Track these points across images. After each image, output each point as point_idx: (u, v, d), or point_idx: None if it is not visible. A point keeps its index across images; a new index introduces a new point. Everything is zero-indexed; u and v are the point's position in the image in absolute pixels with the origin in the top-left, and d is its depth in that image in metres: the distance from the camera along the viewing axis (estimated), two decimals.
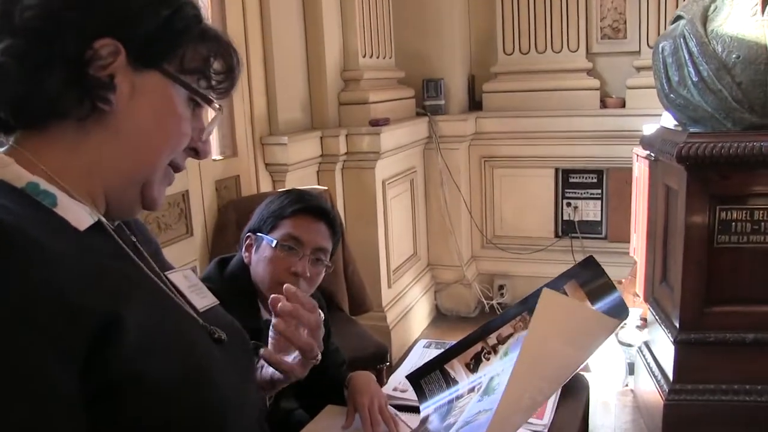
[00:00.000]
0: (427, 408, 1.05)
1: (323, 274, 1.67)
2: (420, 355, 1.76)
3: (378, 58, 3.78)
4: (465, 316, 4.28)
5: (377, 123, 3.41)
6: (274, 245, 1.59)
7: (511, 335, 1.11)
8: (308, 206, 1.64)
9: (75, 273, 0.69)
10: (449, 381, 1.04)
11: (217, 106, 0.86)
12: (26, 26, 0.73)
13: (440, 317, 4.31)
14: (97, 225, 0.79)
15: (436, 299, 4.36)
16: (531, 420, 1.45)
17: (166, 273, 0.90)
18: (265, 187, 3.07)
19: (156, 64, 0.79)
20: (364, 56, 3.60)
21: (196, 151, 0.88)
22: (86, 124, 0.77)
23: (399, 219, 3.79)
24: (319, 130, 3.33)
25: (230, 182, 2.88)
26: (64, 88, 0.74)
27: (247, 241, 1.67)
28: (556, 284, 1.12)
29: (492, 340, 1.13)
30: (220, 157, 2.85)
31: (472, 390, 1.02)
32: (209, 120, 0.89)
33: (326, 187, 2.96)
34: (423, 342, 1.87)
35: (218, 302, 0.98)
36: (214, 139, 2.82)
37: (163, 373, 0.74)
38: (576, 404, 1.57)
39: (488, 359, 0.97)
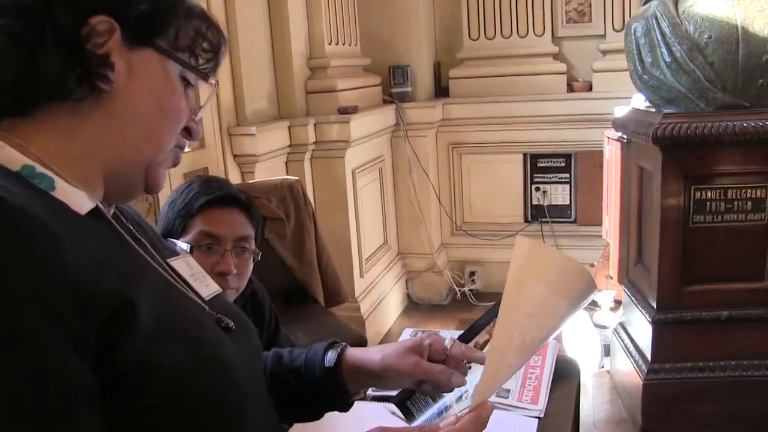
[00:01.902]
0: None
1: (251, 264, 1.55)
2: None
3: (344, 45, 3.72)
4: (437, 303, 4.28)
5: (346, 111, 3.36)
6: (189, 250, 1.43)
7: (487, 341, 1.10)
8: (215, 197, 1.48)
9: (83, 255, 0.64)
10: (435, 396, 1.03)
11: (214, 82, 0.83)
12: (16, 4, 0.69)
13: (413, 306, 4.30)
14: (95, 211, 0.75)
15: (408, 288, 4.35)
16: (526, 406, 1.45)
17: (168, 260, 0.86)
18: (234, 178, 3.00)
19: (150, 42, 0.76)
20: (330, 43, 3.54)
21: (189, 131, 0.84)
22: (82, 106, 0.72)
23: (369, 208, 3.76)
24: (287, 120, 3.27)
25: (199, 174, 2.81)
26: (62, 67, 0.70)
27: None
28: None
29: (471, 360, 1.13)
30: (188, 149, 2.76)
31: (459, 398, 1.02)
32: (199, 98, 0.86)
33: (296, 178, 2.90)
34: (409, 330, 1.85)
35: (221, 290, 0.94)
36: None
37: (179, 362, 0.70)
38: (569, 389, 1.57)
39: (470, 367, 0.98)
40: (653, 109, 2.52)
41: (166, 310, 0.73)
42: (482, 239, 4.34)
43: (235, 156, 3.02)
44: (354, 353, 1.00)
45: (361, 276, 3.64)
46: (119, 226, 0.78)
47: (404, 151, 4.11)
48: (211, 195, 1.48)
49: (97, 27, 0.71)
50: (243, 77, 3.02)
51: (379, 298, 3.84)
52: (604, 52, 3.93)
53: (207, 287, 0.88)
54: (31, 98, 0.71)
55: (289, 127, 3.25)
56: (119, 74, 0.73)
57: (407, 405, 1.01)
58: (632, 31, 2.41)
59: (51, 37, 0.69)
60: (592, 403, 2.81)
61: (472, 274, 4.36)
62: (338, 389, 0.98)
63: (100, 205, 0.76)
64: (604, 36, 3.95)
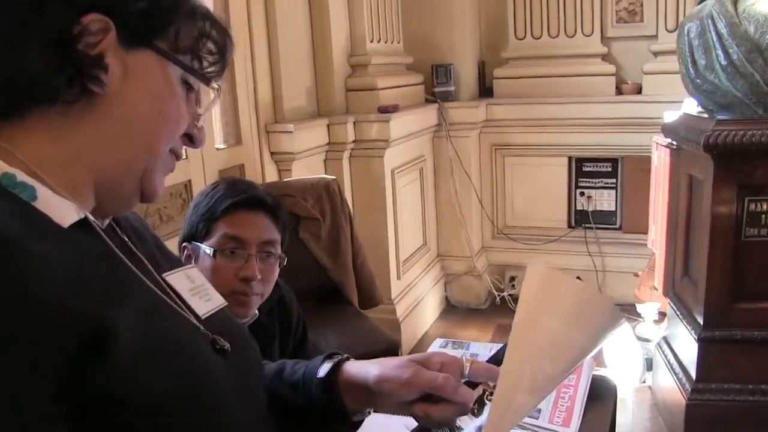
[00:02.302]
0: None
1: (277, 269, 1.50)
2: None
3: (386, 43, 3.66)
4: (475, 308, 4.19)
5: (386, 110, 3.30)
6: (212, 254, 1.40)
7: None
8: (240, 200, 1.43)
9: (56, 274, 0.60)
10: (454, 429, 0.93)
11: (216, 87, 0.78)
12: (8, 1, 0.65)
13: (450, 309, 4.22)
14: (83, 223, 0.70)
15: (446, 291, 4.27)
16: (556, 428, 1.36)
17: (163, 275, 0.80)
18: (271, 176, 2.97)
19: (148, 42, 0.70)
20: (372, 41, 3.48)
21: (191, 138, 0.79)
22: (73, 109, 0.67)
23: (408, 209, 3.69)
24: (326, 118, 3.22)
25: (234, 171, 2.78)
26: (52, 67, 0.65)
27: (185, 252, 1.47)
28: None
29: (493, 380, 1.04)
30: (224, 146, 2.75)
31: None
32: (202, 104, 0.80)
33: (333, 177, 2.85)
34: (439, 341, 1.77)
35: (225, 304, 0.88)
36: (217, 127, 2.71)
37: (157, 392, 0.65)
38: (604, 409, 1.47)
39: (491, 400, 0.87)
40: (706, 115, 2.39)
41: (151, 334, 0.67)
42: (524, 243, 4.23)
43: (272, 153, 2.98)
44: (352, 365, 0.90)
45: (399, 278, 3.58)
46: (110, 239, 0.73)
47: (446, 152, 4.03)
48: (236, 197, 1.43)
49: (90, 26, 0.66)
50: (282, 73, 2.99)
51: (416, 301, 3.78)
52: (656, 54, 3.78)
53: (208, 302, 0.83)
54: (17, 100, 0.66)
55: (328, 125, 3.21)
56: (113, 76, 0.68)
57: None
58: (685, 31, 2.29)
59: (40, 35, 0.65)
60: (632, 419, 2.70)
61: (513, 279, 4.26)
62: (334, 405, 0.87)
63: (90, 217, 0.71)
64: (656, 37, 3.79)
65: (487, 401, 0.85)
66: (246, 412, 0.77)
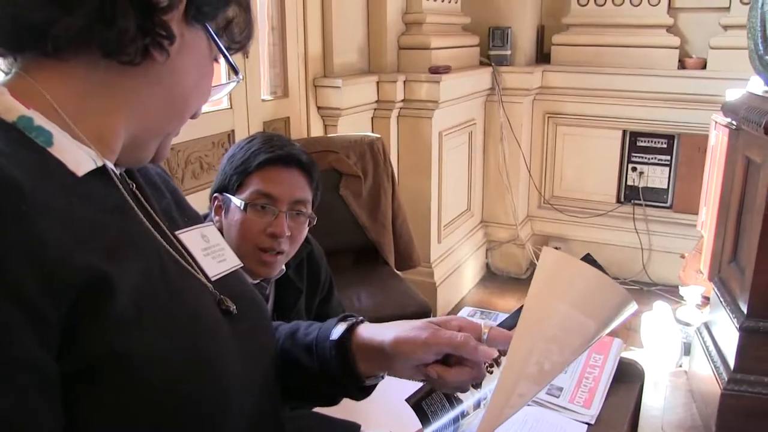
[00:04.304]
0: (432, 430, 0.93)
1: (306, 228, 1.49)
2: None
3: (443, 1, 3.57)
4: (516, 276, 4.15)
5: (437, 70, 3.23)
6: (243, 208, 1.40)
7: None
8: (275, 156, 1.41)
9: (63, 224, 0.59)
10: (452, 400, 0.91)
11: (240, 76, 0.83)
12: None
13: (490, 276, 4.19)
14: (100, 171, 0.69)
15: (488, 258, 4.23)
16: (576, 409, 1.33)
17: (176, 233, 0.79)
18: (316, 131, 2.96)
19: (203, 21, 0.73)
20: None
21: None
22: (124, 67, 0.68)
23: (454, 172, 3.64)
24: (375, 75, 3.18)
25: (279, 124, 2.77)
26: (127, 27, 0.65)
27: (215, 203, 1.47)
28: None
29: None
30: (270, 98, 2.74)
31: (478, 406, 0.90)
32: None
33: (378, 135, 2.82)
34: (467, 309, 1.75)
35: (240, 265, 0.87)
36: (264, 79, 2.70)
37: (154, 351, 0.64)
38: (628, 393, 1.43)
39: (491, 372, 0.84)
40: None
41: (154, 291, 0.67)
42: (569, 215, 4.15)
43: (319, 108, 2.97)
44: (367, 327, 0.88)
45: (439, 242, 3.56)
46: (126, 190, 0.73)
47: (497, 117, 3.95)
48: (271, 153, 1.42)
49: None
50: (333, 27, 2.95)
51: (456, 266, 3.75)
52: (726, 27, 3.59)
53: (221, 263, 0.82)
54: (78, 44, 0.65)
55: (378, 83, 3.16)
56: (174, 46, 0.69)
57: (422, 406, 0.91)
58: (759, 3, 2.16)
59: None
60: (664, 404, 2.65)
61: (556, 250, 4.19)
62: (347, 368, 0.86)
63: (110, 165, 0.71)
64: (728, 9, 3.60)
65: (487, 373, 0.82)
66: (247, 372, 0.76)
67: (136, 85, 0.70)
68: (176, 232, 0.79)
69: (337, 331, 0.87)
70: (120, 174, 0.74)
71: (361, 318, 0.91)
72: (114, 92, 0.69)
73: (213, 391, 0.69)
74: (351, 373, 0.86)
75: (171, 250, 0.74)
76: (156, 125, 0.75)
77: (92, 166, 0.67)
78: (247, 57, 2.52)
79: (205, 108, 0.82)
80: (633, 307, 0.69)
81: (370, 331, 0.87)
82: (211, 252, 0.82)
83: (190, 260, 0.78)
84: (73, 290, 0.58)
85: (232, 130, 2.47)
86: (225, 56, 0.77)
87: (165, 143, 0.78)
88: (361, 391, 0.90)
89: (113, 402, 0.62)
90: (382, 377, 0.91)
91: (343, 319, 0.90)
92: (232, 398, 0.71)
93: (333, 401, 0.96)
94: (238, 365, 0.74)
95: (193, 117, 0.79)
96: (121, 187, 0.72)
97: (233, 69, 0.79)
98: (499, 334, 0.83)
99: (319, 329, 0.91)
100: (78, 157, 0.66)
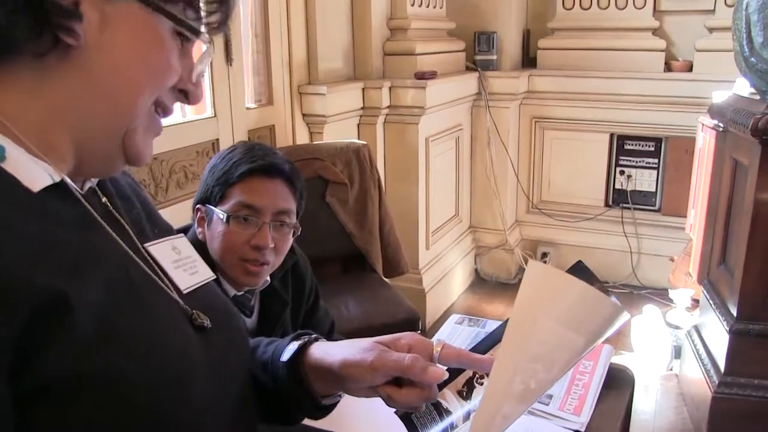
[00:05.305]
0: None
1: (291, 239, 1.46)
2: (450, 332, 1.62)
3: (428, 7, 3.56)
4: (505, 282, 4.13)
5: (423, 76, 3.22)
6: (225, 220, 1.36)
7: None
8: (257, 166, 1.38)
9: (12, 244, 0.56)
10: (442, 412, 0.88)
11: (208, 39, 0.71)
12: None
13: (479, 282, 4.17)
14: (59, 186, 0.65)
15: (477, 263, 4.21)
16: (566, 416, 1.31)
17: (146, 245, 0.76)
18: (302, 138, 2.93)
19: None
20: (413, 4, 3.38)
21: (186, 94, 0.73)
22: (47, 61, 0.63)
23: (441, 178, 3.62)
24: (361, 81, 3.15)
25: (264, 132, 2.74)
26: (17, 15, 0.60)
27: (198, 214, 1.44)
28: None
29: (463, 367, 0.98)
30: (254, 106, 2.71)
31: (467, 417, 0.88)
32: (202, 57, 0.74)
33: (364, 142, 2.80)
34: (455, 317, 1.72)
35: (213, 277, 0.84)
36: (248, 87, 2.67)
37: (123, 372, 0.61)
38: (618, 400, 1.42)
39: (481, 384, 0.81)
40: (757, 97, 2.27)
41: (120, 307, 0.64)
42: (558, 220, 4.14)
43: (304, 115, 2.94)
44: (318, 347, 0.85)
45: (427, 248, 3.53)
46: (90, 203, 0.69)
47: (484, 122, 3.94)
48: (252, 163, 1.38)
49: None
50: (318, 33, 2.93)
51: (444, 272, 3.73)
52: (711, 30, 3.60)
53: (193, 276, 0.79)
54: None
55: (363, 89, 3.14)
56: (90, 27, 0.63)
57: (412, 418, 0.88)
58: (744, 5, 2.15)
59: None
60: (655, 408, 2.63)
61: (545, 255, 4.18)
62: (302, 388, 0.83)
63: (67, 180, 0.67)
64: (713, 11, 3.60)
65: (477, 384, 0.80)
66: (219, 390, 0.73)
67: (67, 79, 0.64)
68: (146, 245, 0.76)
69: (289, 351, 0.85)
70: (90, 187, 0.71)
71: (315, 336, 0.89)
72: (50, 93, 0.64)
73: (183, 412, 0.66)
74: (306, 393, 0.84)
75: (140, 263, 0.71)
76: (101, 120, 0.67)
77: (48, 182, 0.64)
78: (231, 65, 2.51)
79: (188, 117, 0.76)
80: (625, 317, 0.67)
81: (321, 351, 0.84)
82: (183, 264, 0.79)
83: (161, 273, 0.75)
84: (25, 310, 0.55)
85: (217, 139, 2.44)
86: (175, 21, 0.67)
87: (132, 141, 0.70)
88: (319, 410, 0.88)
89: (77, 422, 0.59)
90: (340, 396, 0.89)
91: (297, 338, 0.88)
92: (202, 417, 0.68)
93: (292, 420, 0.93)
94: (210, 383, 0.71)
95: (164, 111, 0.72)
96: (83, 200, 0.68)
97: (192, 32, 0.69)
98: (452, 352, 0.80)
99: (276, 347, 0.88)
100: (33, 173, 0.63)
